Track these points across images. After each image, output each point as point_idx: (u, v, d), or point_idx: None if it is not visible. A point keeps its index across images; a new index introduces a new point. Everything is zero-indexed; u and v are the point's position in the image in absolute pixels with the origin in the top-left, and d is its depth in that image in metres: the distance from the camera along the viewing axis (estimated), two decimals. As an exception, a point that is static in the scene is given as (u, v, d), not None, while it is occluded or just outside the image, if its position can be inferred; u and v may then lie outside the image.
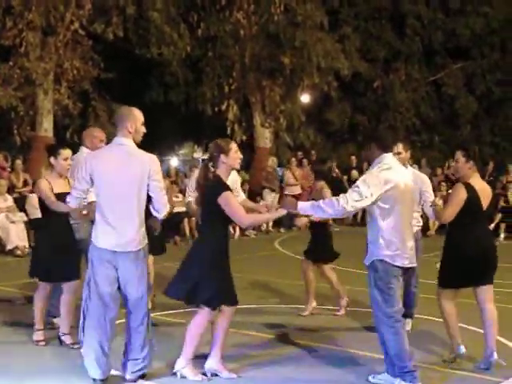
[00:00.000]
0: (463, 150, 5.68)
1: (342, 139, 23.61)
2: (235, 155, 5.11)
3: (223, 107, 19.13)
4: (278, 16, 18.28)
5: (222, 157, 5.07)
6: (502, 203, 16.49)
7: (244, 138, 19.53)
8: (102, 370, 4.96)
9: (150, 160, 5.03)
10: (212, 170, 5.12)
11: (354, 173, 18.68)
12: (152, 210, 5.16)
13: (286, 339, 6.47)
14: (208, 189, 5.09)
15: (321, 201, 5.00)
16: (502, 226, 16.16)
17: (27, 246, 12.36)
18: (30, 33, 15.26)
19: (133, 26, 16.73)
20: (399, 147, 6.41)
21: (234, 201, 5.00)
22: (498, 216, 16.21)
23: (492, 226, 16.12)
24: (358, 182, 4.91)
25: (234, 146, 5.14)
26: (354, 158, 19.27)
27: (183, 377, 5.12)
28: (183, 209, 14.88)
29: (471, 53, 23.57)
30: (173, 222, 14.43)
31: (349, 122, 23.09)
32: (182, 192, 15.48)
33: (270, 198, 16.95)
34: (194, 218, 14.90)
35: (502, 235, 16.04)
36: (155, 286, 6.92)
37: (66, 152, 6.07)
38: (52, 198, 5.90)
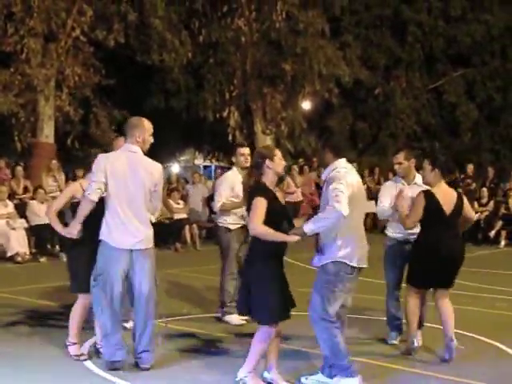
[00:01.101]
0: (429, 158, 6.02)
1: (343, 146, 23.63)
2: (280, 161, 5.11)
3: (224, 114, 19.15)
4: (280, 23, 18.31)
5: (268, 162, 5.04)
6: (502, 210, 16.46)
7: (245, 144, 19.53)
8: (123, 351, 5.39)
9: (158, 170, 5.46)
10: (256, 177, 5.09)
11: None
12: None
13: (294, 347, 6.45)
14: (250, 192, 5.08)
15: (319, 214, 4.94)
16: (503, 233, 16.12)
17: (27, 252, 12.36)
18: (32, 39, 15.28)
19: (134, 33, 16.74)
20: (400, 157, 6.37)
21: (262, 208, 4.85)
22: (499, 223, 16.19)
23: (493, 233, 16.14)
24: (335, 185, 4.87)
25: (278, 152, 5.18)
26: (354, 165, 19.15)
27: None
28: (184, 215, 14.91)
29: (472, 60, 23.61)
30: (174, 228, 14.44)
31: (350, 128, 23.11)
32: (183, 198, 15.48)
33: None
34: (194, 225, 14.90)
35: (503, 242, 16.01)
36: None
37: None
38: (56, 203, 5.84)
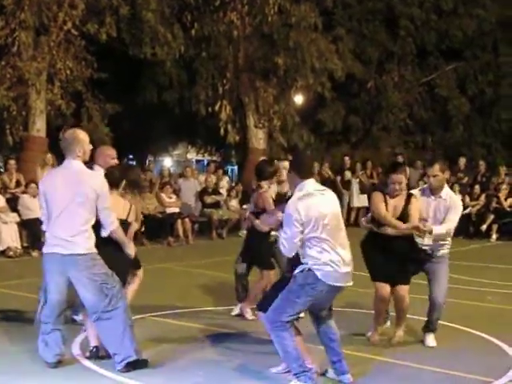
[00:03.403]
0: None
1: (336, 140, 23.64)
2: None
3: (217, 108, 19.11)
4: (272, 17, 18.26)
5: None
6: (494, 204, 16.53)
7: (237, 138, 19.53)
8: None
9: (99, 182, 5.39)
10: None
11: (347, 173, 18.72)
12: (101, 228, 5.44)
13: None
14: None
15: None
16: (494, 227, 16.21)
17: (19, 246, 12.32)
18: (23, 32, 15.17)
19: (126, 27, 16.65)
20: (435, 169, 6.26)
21: None
22: (490, 217, 16.26)
23: (484, 227, 16.22)
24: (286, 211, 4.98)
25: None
26: (347, 158, 19.35)
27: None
28: (177, 210, 14.90)
29: (464, 54, 23.64)
30: (166, 222, 14.44)
31: (342, 122, 23.13)
32: (176, 193, 15.46)
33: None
34: (187, 219, 14.88)
35: (494, 236, 16.10)
36: (145, 289, 6.90)
37: None
38: None
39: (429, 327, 6.40)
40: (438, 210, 6.26)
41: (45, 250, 5.41)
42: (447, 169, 6.50)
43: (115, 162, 6.41)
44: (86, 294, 5.29)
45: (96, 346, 5.61)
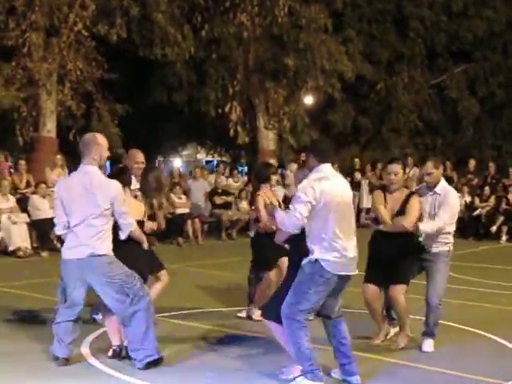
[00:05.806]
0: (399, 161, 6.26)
1: (346, 141, 23.63)
2: None
3: (227, 109, 19.13)
4: (282, 18, 18.27)
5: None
6: (503, 206, 16.45)
7: (247, 139, 19.53)
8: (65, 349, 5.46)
9: (113, 191, 5.30)
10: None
11: (357, 174, 18.72)
12: (119, 231, 5.44)
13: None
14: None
15: (282, 213, 5.08)
16: (504, 228, 16.13)
17: (29, 247, 12.36)
18: (34, 33, 15.26)
19: (136, 27, 16.71)
20: (429, 167, 6.25)
21: None
22: (500, 219, 16.19)
23: (494, 228, 16.15)
24: (296, 192, 5.01)
25: None
26: (357, 160, 19.41)
27: None
28: (186, 210, 14.92)
29: (474, 56, 23.58)
30: (176, 223, 14.45)
31: (352, 123, 23.11)
32: (186, 193, 15.48)
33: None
34: (197, 220, 14.90)
35: (504, 238, 16.03)
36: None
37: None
38: None
39: (426, 331, 6.24)
40: (432, 205, 6.20)
41: (63, 255, 5.38)
42: (441, 164, 6.42)
43: (143, 166, 6.31)
44: (107, 297, 5.32)
45: (119, 345, 5.63)
